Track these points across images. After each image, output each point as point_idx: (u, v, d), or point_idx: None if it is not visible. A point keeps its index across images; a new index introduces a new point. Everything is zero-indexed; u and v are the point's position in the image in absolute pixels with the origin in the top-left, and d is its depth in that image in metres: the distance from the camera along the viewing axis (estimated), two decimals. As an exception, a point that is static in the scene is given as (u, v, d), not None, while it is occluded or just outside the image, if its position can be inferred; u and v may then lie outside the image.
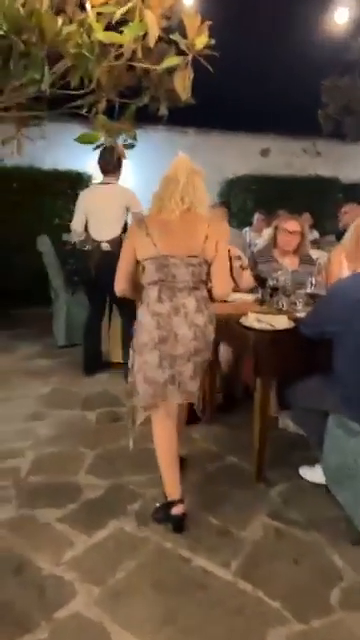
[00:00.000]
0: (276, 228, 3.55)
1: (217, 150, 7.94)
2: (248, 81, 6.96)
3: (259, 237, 5.69)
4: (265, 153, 8.22)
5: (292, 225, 3.49)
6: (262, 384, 2.55)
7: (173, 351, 2.22)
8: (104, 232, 4.05)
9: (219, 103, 6.72)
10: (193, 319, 2.23)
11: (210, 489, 2.64)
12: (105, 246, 3.99)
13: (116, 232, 4.06)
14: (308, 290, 3.18)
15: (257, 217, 6.19)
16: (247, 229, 6.21)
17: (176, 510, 2.30)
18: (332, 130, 6.59)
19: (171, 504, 2.31)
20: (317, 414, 2.59)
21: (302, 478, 2.77)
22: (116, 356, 4.38)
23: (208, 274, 2.29)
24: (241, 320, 2.68)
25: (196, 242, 2.21)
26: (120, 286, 2.36)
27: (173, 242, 2.22)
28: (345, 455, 2.43)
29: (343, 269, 3.81)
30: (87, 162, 6.69)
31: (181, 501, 2.31)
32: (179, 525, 2.29)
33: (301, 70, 6.51)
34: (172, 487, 2.33)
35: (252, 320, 2.64)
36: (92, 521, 2.37)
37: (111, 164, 4.16)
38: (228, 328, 2.75)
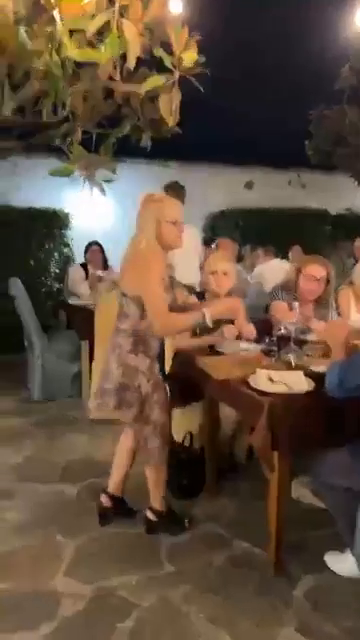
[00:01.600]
0: (298, 272, 3.12)
1: (201, 184, 7.64)
2: (231, 112, 6.73)
3: (250, 273, 5.31)
4: (249, 186, 7.97)
5: (318, 270, 3.03)
6: (281, 460, 2.08)
7: None
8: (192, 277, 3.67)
9: (201, 136, 6.45)
10: (109, 358, 2.42)
11: (219, 593, 2.12)
12: None
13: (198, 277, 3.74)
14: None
15: (249, 251, 5.81)
16: (237, 266, 5.82)
17: (102, 499, 2.63)
18: (320, 161, 6.34)
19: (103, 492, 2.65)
20: (347, 491, 2.12)
21: (329, 568, 2.28)
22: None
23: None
24: (250, 379, 2.23)
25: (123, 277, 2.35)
26: None
27: None
28: (386, 547, 1.96)
29: (351, 308, 3.44)
30: (64, 199, 6.34)
31: (109, 495, 2.62)
32: (99, 515, 2.60)
33: (286, 100, 6.30)
34: (110, 479, 2.65)
35: (264, 380, 2.19)
36: (72, 652, 1.84)
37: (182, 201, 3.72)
38: (231, 388, 2.30)
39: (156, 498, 2.53)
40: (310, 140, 6.25)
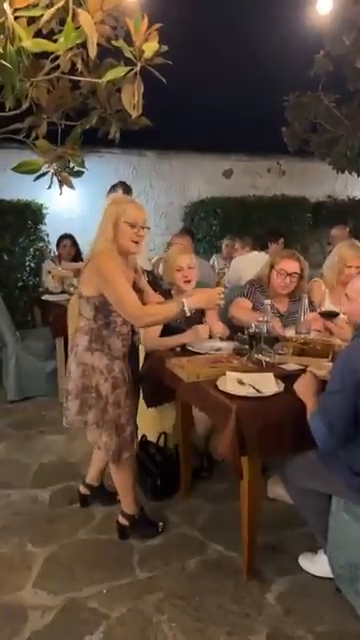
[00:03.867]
0: (271, 267, 3.06)
1: (179, 173, 7.54)
2: (206, 99, 6.60)
3: (227, 266, 5.22)
4: (228, 174, 7.86)
5: (291, 265, 2.97)
6: (250, 466, 2.03)
7: None
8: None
9: (176, 124, 6.33)
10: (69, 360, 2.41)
11: (191, 601, 2.08)
12: None
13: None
14: (295, 333, 2.72)
15: (226, 243, 5.70)
16: (214, 257, 5.74)
17: (81, 488, 2.77)
18: (298, 148, 6.24)
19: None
20: (317, 493, 2.09)
21: (303, 569, 2.26)
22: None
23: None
24: (218, 382, 2.17)
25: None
26: None
27: None
28: (357, 549, 1.93)
29: (326, 300, 3.38)
30: (37, 191, 6.17)
31: (86, 485, 2.76)
32: (80, 501, 2.76)
33: (262, 86, 6.18)
34: (89, 471, 2.77)
35: (232, 383, 2.14)
36: (39, 668, 1.80)
37: None
38: (201, 390, 2.24)
39: (126, 502, 2.49)
40: (287, 127, 6.15)
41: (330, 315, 2.68)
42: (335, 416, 1.81)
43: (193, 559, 2.34)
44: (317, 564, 2.23)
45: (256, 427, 1.96)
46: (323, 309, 2.90)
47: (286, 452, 2.10)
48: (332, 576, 2.09)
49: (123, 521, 2.49)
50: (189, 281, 2.87)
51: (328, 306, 3.34)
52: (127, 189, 4.34)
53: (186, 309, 2.19)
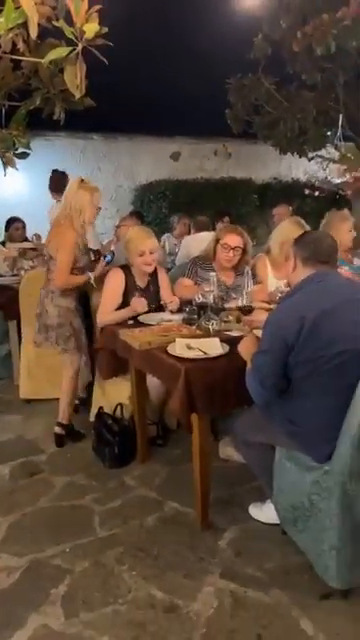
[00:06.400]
0: (216, 242, 3.19)
1: (127, 156, 7.59)
2: (150, 81, 6.65)
3: (179, 243, 5.33)
4: (175, 157, 7.96)
5: (234, 240, 3.12)
6: (199, 422, 2.18)
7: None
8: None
9: (122, 106, 6.36)
10: (44, 302, 3.07)
11: (150, 551, 2.23)
12: None
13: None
14: (239, 303, 2.88)
15: (177, 220, 5.76)
16: (167, 235, 5.83)
17: (56, 429, 3.18)
18: (242, 130, 6.41)
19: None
20: (262, 446, 2.27)
21: (253, 518, 2.45)
22: (28, 390, 3.82)
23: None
24: (168, 348, 2.31)
25: (49, 242, 3.06)
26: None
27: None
28: (299, 493, 2.11)
29: (269, 275, 3.57)
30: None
31: (60, 424, 3.17)
32: (57, 442, 3.16)
33: (207, 69, 6.29)
34: (60, 410, 3.18)
35: (182, 347, 2.28)
36: (6, 620, 1.90)
37: (61, 184, 4.53)
38: (152, 356, 2.38)
39: (66, 414, 3.17)
40: (230, 109, 6.30)
41: (247, 310, 2.79)
42: (265, 374, 1.97)
43: (151, 516, 2.49)
44: (265, 512, 2.42)
45: (203, 385, 2.11)
46: (243, 303, 2.95)
47: (231, 408, 2.27)
48: (278, 521, 2.29)
49: (60, 431, 3.16)
50: (150, 264, 2.99)
51: (271, 280, 3.53)
52: (62, 176, 5.02)
53: (92, 281, 3.08)
